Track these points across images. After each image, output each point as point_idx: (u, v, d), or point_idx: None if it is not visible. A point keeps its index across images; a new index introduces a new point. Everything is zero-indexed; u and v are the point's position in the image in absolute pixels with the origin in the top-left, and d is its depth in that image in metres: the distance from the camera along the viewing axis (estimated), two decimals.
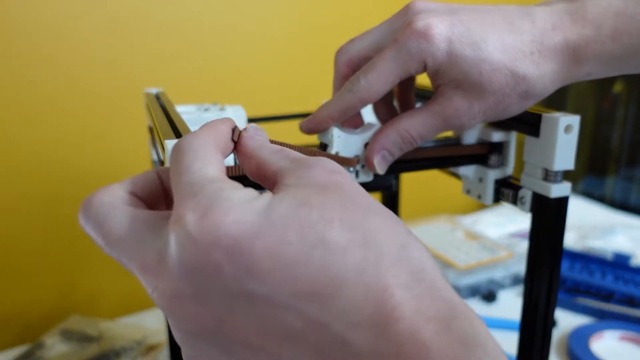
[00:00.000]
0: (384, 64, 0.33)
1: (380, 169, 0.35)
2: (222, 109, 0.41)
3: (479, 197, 0.41)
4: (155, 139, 0.38)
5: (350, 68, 0.37)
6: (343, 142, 0.36)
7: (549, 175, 0.36)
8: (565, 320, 0.71)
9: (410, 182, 0.78)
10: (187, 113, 0.39)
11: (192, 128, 0.26)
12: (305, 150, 0.31)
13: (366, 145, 0.36)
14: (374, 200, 0.21)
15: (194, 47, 0.80)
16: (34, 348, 0.66)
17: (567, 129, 0.35)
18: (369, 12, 0.92)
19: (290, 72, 0.89)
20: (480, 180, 0.41)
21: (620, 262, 0.80)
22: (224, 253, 0.18)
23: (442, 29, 0.31)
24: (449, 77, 0.33)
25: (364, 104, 0.34)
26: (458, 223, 0.95)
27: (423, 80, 0.39)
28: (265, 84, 0.87)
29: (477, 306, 0.75)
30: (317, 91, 0.61)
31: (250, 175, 0.24)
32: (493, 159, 0.40)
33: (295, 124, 0.39)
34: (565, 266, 0.81)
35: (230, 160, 0.30)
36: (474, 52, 0.31)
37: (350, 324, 0.18)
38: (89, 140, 0.75)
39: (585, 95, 1.17)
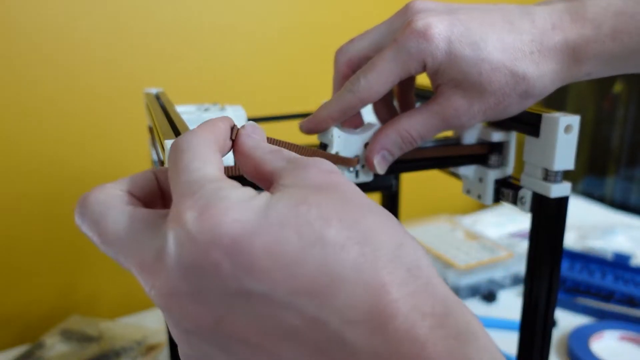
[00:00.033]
0: (383, 63, 0.33)
1: (381, 169, 0.35)
2: (222, 109, 0.41)
3: (479, 197, 0.41)
4: (155, 139, 0.38)
5: (350, 68, 0.37)
6: (343, 142, 0.36)
7: (549, 175, 0.36)
8: (565, 320, 0.71)
9: (410, 182, 0.78)
10: (187, 113, 0.39)
11: (192, 128, 0.26)
12: (305, 149, 0.31)
13: (366, 145, 0.36)
14: (369, 199, 0.21)
15: (194, 47, 0.80)
16: (34, 348, 0.66)
17: (567, 129, 0.35)
18: (369, 12, 0.92)
19: (290, 72, 0.89)
20: (480, 180, 0.41)
21: (620, 262, 0.80)
22: (222, 252, 0.18)
23: (441, 29, 0.31)
24: (449, 77, 0.33)
25: (364, 104, 0.34)
26: (458, 223, 0.95)
27: (423, 80, 0.39)
28: (265, 84, 0.87)
29: (477, 306, 0.75)
30: (317, 91, 0.61)
31: (246, 175, 0.24)
32: (493, 159, 0.40)
33: (295, 124, 0.39)
34: (565, 266, 0.81)
35: (230, 160, 0.30)
36: (473, 51, 0.31)
37: (348, 321, 0.18)
38: (89, 140, 0.75)
39: (585, 95, 1.17)
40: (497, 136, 0.39)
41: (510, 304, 0.75)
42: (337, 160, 0.35)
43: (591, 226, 0.99)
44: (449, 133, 0.41)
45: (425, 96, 0.43)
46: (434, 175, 0.59)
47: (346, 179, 0.22)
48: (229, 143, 0.24)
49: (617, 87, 1.11)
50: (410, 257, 0.19)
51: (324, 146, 0.36)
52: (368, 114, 0.41)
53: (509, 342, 0.42)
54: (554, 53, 0.32)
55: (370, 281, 0.18)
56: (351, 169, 0.36)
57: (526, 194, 0.38)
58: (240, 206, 0.19)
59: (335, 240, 0.18)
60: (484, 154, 0.40)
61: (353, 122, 0.38)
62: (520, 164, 0.39)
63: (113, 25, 0.74)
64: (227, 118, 0.25)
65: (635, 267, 0.79)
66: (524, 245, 0.89)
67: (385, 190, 0.56)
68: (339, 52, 0.37)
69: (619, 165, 1.14)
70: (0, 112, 0.69)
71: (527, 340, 0.40)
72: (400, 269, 0.19)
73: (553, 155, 0.35)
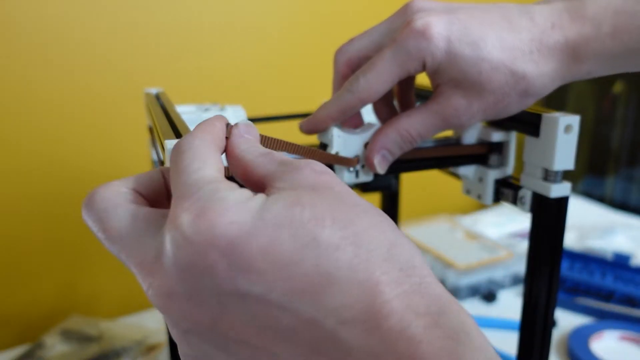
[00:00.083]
0: (383, 63, 0.33)
1: (381, 169, 0.35)
2: (222, 109, 0.41)
3: (479, 197, 0.41)
4: (155, 139, 0.38)
5: (349, 68, 0.37)
6: (343, 142, 0.36)
7: (549, 175, 0.36)
8: (565, 320, 0.71)
9: (410, 182, 0.78)
10: (187, 113, 0.39)
11: (192, 128, 0.26)
12: (303, 149, 0.31)
13: (366, 145, 0.36)
14: (363, 199, 0.21)
15: (194, 47, 0.80)
16: (34, 348, 0.66)
17: (567, 129, 0.35)
18: (369, 11, 0.92)
19: (290, 72, 0.89)
20: (480, 180, 0.41)
21: (620, 262, 0.79)
22: (218, 253, 0.18)
23: (441, 28, 0.31)
24: (449, 77, 0.33)
25: (364, 104, 0.34)
26: (458, 223, 0.95)
27: (423, 80, 0.39)
28: (265, 84, 0.87)
29: (477, 306, 0.75)
30: (317, 91, 0.61)
31: (237, 178, 0.24)
32: (493, 159, 0.40)
33: (295, 124, 0.39)
34: (565, 266, 0.81)
35: None
36: (473, 51, 0.31)
37: (342, 321, 0.18)
38: (89, 140, 0.75)
39: (585, 95, 1.17)
40: (497, 136, 0.39)
41: (510, 304, 0.75)
42: (337, 160, 0.35)
43: (591, 226, 0.99)
44: (449, 133, 0.41)
45: (425, 96, 0.43)
46: (434, 175, 0.59)
47: (339, 180, 0.22)
48: (226, 142, 0.24)
49: (617, 87, 1.11)
50: (404, 257, 0.19)
51: (323, 146, 0.36)
52: (368, 114, 0.41)
53: (509, 342, 0.42)
54: (554, 52, 0.32)
55: (365, 281, 0.18)
56: (351, 169, 0.36)
57: (526, 194, 0.38)
58: (236, 208, 0.19)
59: (330, 240, 0.18)
60: (484, 154, 0.40)
61: (353, 122, 0.38)
62: (520, 164, 0.39)
63: (113, 26, 0.74)
64: (221, 117, 0.25)
65: (635, 267, 0.79)
66: (524, 245, 0.89)
67: (385, 190, 0.56)
68: (339, 52, 0.37)
69: (619, 165, 1.14)
70: (0, 112, 0.69)
71: (527, 340, 0.40)
72: (394, 268, 0.19)
73: (553, 155, 0.35)
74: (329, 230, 0.19)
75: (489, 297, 0.76)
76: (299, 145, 0.31)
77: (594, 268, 0.80)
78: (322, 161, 0.35)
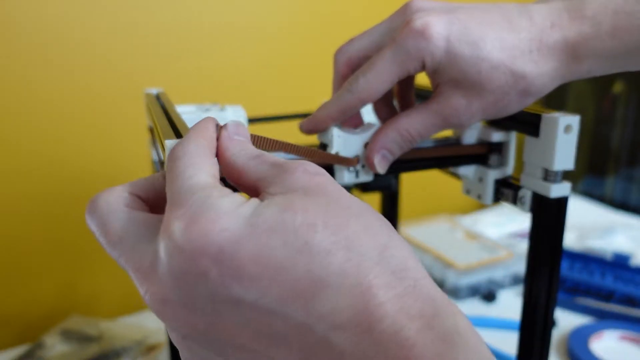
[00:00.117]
0: (382, 63, 0.33)
1: (381, 168, 0.35)
2: (222, 109, 0.41)
3: (479, 197, 0.41)
4: (155, 139, 0.38)
5: (349, 68, 0.37)
6: (343, 142, 0.36)
7: (548, 175, 0.36)
8: (565, 320, 0.71)
9: (410, 182, 0.78)
10: (187, 113, 0.39)
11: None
12: (305, 149, 0.31)
13: (366, 145, 0.36)
14: (356, 200, 0.21)
15: (194, 47, 0.80)
16: (34, 348, 0.66)
17: (567, 129, 0.35)
18: (369, 11, 0.92)
19: (291, 72, 0.89)
20: (480, 180, 0.41)
21: (620, 262, 0.79)
22: (210, 260, 0.18)
23: (440, 28, 0.31)
24: (448, 76, 0.33)
25: (364, 104, 0.34)
26: (458, 223, 0.95)
27: (423, 80, 0.39)
28: (265, 84, 0.87)
29: (477, 306, 0.75)
30: (317, 91, 0.61)
31: (231, 182, 0.24)
32: (493, 159, 0.40)
33: (295, 124, 0.39)
34: (565, 266, 0.81)
35: None
36: (472, 50, 0.31)
37: (334, 325, 0.18)
38: (89, 140, 0.75)
39: (585, 95, 1.17)
40: (497, 136, 0.39)
41: (510, 304, 0.75)
42: (337, 160, 0.35)
43: (591, 226, 0.99)
44: (448, 133, 0.41)
45: (425, 96, 0.43)
46: (434, 175, 0.59)
47: (332, 180, 0.22)
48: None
49: (617, 87, 1.11)
50: (397, 260, 0.19)
51: (323, 146, 0.36)
52: (368, 114, 0.41)
53: (509, 342, 0.42)
54: (553, 51, 0.32)
55: (357, 285, 0.18)
56: (351, 168, 0.36)
57: (526, 194, 0.38)
58: (227, 215, 0.19)
59: (321, 246, 0.18)
60: (484, 153, 0.40)
61: (353, 122, 0.38)
62: (520, 164, 0.39)
63: (113, 26, 0.74)
64: (212, 118, 0.25)
65: (635, 267, 0.79)
66: (523, 245, 0.89)
67: (385, 190, 0.56)
68: (338, 52, 0.37)
69: (619, 165, 1.14)
70: (0, 112, 0.69)
71: (527, 340, 0.40)
72: (387, 272, 0.19)
73: (553, 155, 0.35)
74: (320, 235, 0.19)
75: (489, 297, 0.76)
76: (298, 146, 0.31)
77: (594, 268, 0.80)
78: (322, 161, 0.35)
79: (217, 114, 0.39)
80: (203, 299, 0.19)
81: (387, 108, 0.40)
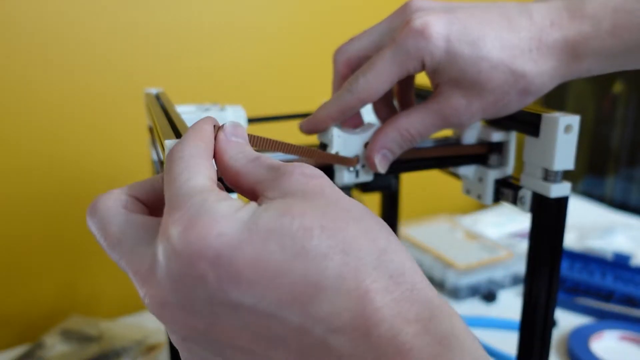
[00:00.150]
0: (382, 63, 0.33)
1: (382, 168, 0.35)
2: (222, 109, 0.41)
3: (479, 197, 0.41)
4: (155, 139, 0.38)
5: (349, 68, 0.37)
6: (343, 141, 0.36)
7: (548, 175, 0.36)
8: (565, 320, 0.71)
9: (410, 182, 0.78)
10: (187, 113, 0.39)
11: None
12: (305, 149, 0.31)
13: (366, 145, 0.36)
14: (355, 203, 0.21)
15: (194, 47, 0.80)
16: (34, 348, 0.66)
17: (567, 128, 0.35)
18: (369, 11, 0.92)
19: (290, 72, 0.89)
20: (480, 180, 0.41)
21: (620, 262, 0.79)
22: (208, 265, 0.18)
23: (440, 27, 0.31)
24: (448, 76, 0.33)
25: (363, 104, 0.34)
26: (458, 223, 0.95)
27: (423, 80, 0.39)
28: (266, 84, 0.87)
29: (477, 306, 0.75)
30: (317, 91, 0.61)
31: (229, 185, 0.24)
32: (493, 158, 0.40)
33: (295, 124, 0.39)
34: (565, 266, 0.81)
35: None
36: (472, 50, 0.31)
37: (332, 329, 0.18)
38: (89, 140, 0.75)
39: (585, 95, 1.17)
40: (497, 136, 0.39)
41: (510, 304, 0.75)
42: (337, 160, 0.35)
43: (591, 226, 0.99)
44: (449, 132, 0.41)
45: (425, 96, 0.43)
46: (434, 175, 0.59)
47: (330, 182, 0.22)
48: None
49: (617, 87, 1.11)
50: (394, 264, 0.19)
51: (323, 146, 0.36)
52: (368, 114, 0.41)
53: (509, 342, 0.42)
54: (553, 50, 0.32)
55: (354, 289, 0.18)
56: (351, 168, 0.36)
57: (526, 194, 0.38)
58: (225, 220, 0.19)
59: (318, 250, 0.18)
60: (484, 153, 0.40)
61: (352, 122, 0.38)
62: (520, 164, 0.39)
63: (113, 26, 0.74)
64: (210, 118, 0.25)
65: (635, 267, 0.78)
66: (524, 245, 0.89)
67: (385, 190, 0.56)
68: (338, 52, 0.37)
69: (619, 165, 1.14)
70: (0, 112, 0.69)
71: (527, 340, 0.40)
72: (384, 276, 0.19)
73: (553, 155, 0.35)
74: (317, 239, 0.19)
75: (489, 297, 0.76)
76: (298, 146, 0.31)
77: (594, 268, 0.80)
78: (322, 161, 0.35)
79: (217, 114, 0.39)
80: (201, 303, 0.19)
81: (387, 108, 0.40)
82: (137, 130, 0.74)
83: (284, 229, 0.19)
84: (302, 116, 0.45)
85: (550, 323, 0.39)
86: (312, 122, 0.36)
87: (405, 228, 0.91)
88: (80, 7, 0.71)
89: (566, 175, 0.37)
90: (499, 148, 0.40)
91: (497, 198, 0.41)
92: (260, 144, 0.27)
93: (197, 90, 0.82)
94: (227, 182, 0.24)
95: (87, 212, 0.23)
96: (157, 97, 0.43)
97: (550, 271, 0.37)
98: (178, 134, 0.28)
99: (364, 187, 0.43)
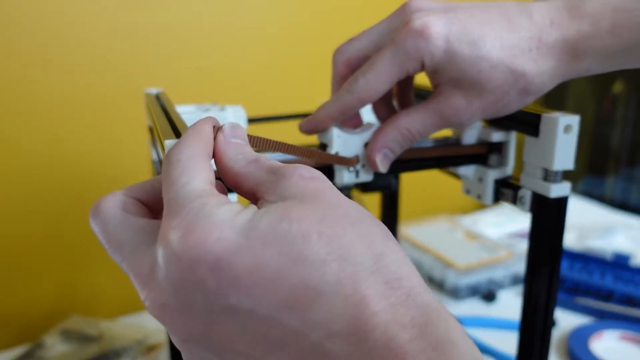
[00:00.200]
0: (382, 63, 0.33)
1: (383, 167, 0.35)
2: (222, 109, 0.41)
3: (479, 197, 0.41)
4: (155, 139, 0.38)
5: (348, 68, 0.37)
6: (343, 141, 0.36)
7: (548, 175, 0.36)
8: (565, 320, 0.71)
9: (410, 182, 0.78)
10: (187, 113, 0.39)
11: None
12: (305, 150, 0.31)
13: (366, 144, 0.36)
14: (354, 206, 0.21)
15: (194, 47, 0.80)
16: (34, 348, 0.66)
17: (567, 128, 0.35)
18: (368, 11, 0.92)
19: (290, 72, 0.89)
20: (480, 180, 0.41)
21: (620, 262, 0.79)
22: (207, 269, 0.19)
23: (439, 28, 0.31)
24: (448, 76, 0.33)
25: (363, 104, 0.34)
26: (458, 223, 0.95)
27: (423, 80, 0.39)
28: (265, 84, 0.87)
29: (477, 306, 0.75)
30: (317, 91, 0.61)
31: (230, 187, 0.24)
32: (493, 158, 0.40)
33: (295, 124, 0.39)
34: (565, 266, 0.81)
35: None
36: (472, 50, 0.31)
37: (328, 334, 0.18)
38: (89, 140, 0.75)
39: (585, 95, 1.17)
40: (496, 136, 0.39)
41: (510, 304, 0.75)
42: (337, 160, 0.35)
43: (591, 226, 0.99)
44: (449, 132, 0.41)
45: (424, 96, 0.43)
46: (434, 175, 0.59)
47: (330, 185, 0.22)
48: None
49: (617, 87, 1.11)
50: (391, 269, 0.19)
51: (323, 146, 0.36)
52: (368, 114, 0.41)
53: (509, 342, 0.42)
54: (553, 50, 0.32)
55: (351, 295, 0.18)
56: (351, 168, 0.36)
57: (526, 194, 0.38)
58: (224, 224, 0.19)
59: (315, 256, 0.19)
60: (484, 153, 0.40)
61: (352, 122, 0.38)
62: (520, 164, 0.39)
63: (113, 26, 0.74)
64: (210, 119, 0.24)
65: (635, 267, 0.79)
66: (523, 245, 0.89)
67: (385, 190, 0.56)
68: (337, 53, 0.37)
69: (618, 165, 1.14)
70: (0, 112, 0.69)
71: (526, 340, 0.40)
72: (380, 281, 0.19)
73: (553, 155, 0.35)
74: (314, 245, 0.19)
75: (489, 297, 0.76)
76: (298, 146, 0.31)
77: (594, 268, 0.80)
78: (322, 161, 0.35)
79: (217, 114, 0.39)
80: (200, 306, 0.19)
81: (386, 108, 0.40)
82: (137, 130, 0.74)
83: (282, 235, 0.19)
84: (302, 116, 0.45)
85: (550, 323, 0.39)
86: (312, 122, 0.36)
87: (405, 228, 0.91)
88: (80, 7, 0.71)
89: (566, 175, 0.37)
90: (499, 148, 0.40)
91: (497, 198, 0.41)
92: (260, 144, 0.27)
93: (197, 90, 0.82)
94: (227, 183, 0.24)
95: (90, 214, 0.23)
96: (157, 97, 0.43)
97: (550, 271, 0.37)
98: (178, 134, 0.28)
99: (364, 187, 0.43)
